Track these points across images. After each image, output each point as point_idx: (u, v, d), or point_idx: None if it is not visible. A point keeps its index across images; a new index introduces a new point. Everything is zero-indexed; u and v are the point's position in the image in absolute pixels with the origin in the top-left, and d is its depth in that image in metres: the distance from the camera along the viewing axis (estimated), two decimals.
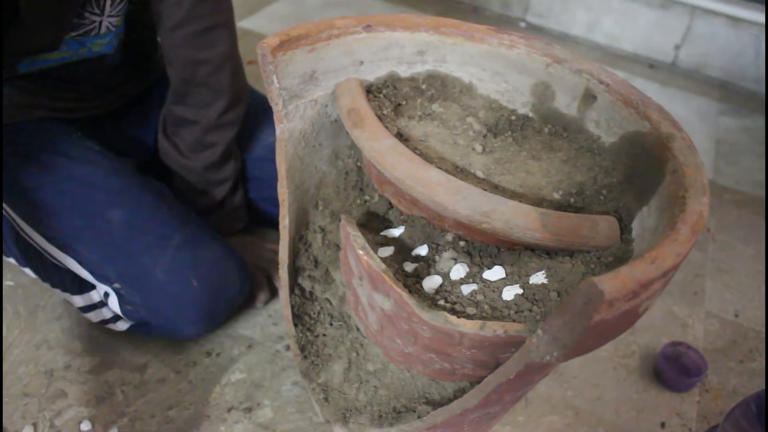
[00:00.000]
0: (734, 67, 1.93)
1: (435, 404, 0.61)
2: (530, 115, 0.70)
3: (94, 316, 0.90)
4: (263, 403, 0.86)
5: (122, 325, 0.89)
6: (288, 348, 0.94)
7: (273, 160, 1.01)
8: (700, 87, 1.94)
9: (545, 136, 0.68)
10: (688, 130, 0.59)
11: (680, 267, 0.45)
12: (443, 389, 0.62)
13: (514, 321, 0.50)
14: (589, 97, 0.66)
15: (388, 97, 0.69)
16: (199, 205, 0.99)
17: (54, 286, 0.91)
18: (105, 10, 0.82)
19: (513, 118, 0.70)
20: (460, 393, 0.61)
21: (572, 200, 0.61)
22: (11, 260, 0.98)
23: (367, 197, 0.71)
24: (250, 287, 0.94)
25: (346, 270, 0.65)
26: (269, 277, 1.01)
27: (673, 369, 0.94)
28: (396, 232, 0.62)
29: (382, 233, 0.64)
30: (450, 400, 0.59)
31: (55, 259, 0.87)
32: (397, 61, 0.69)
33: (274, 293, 1.01)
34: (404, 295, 0.51)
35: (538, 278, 0.53)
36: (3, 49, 0.75)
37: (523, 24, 2.16)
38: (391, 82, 0.70)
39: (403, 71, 0.70)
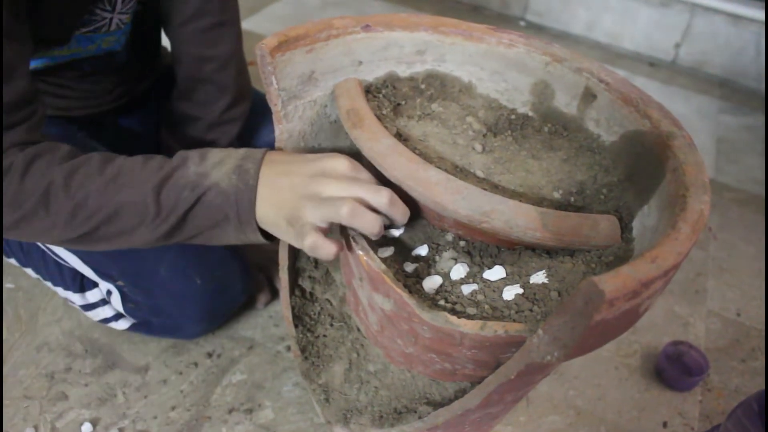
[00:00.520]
0: (735, 64, 1.93)
1: (436, 404, 0.61)
2: (530, 114, 0.70)
3: (95, 315, 0.90)
4: (264, 404, 0.86)
5: (123, 324, 0.90)
6: (289, 349, 0.93)
7: None
8: (701, 85, 1.94)
9: (545, 135, 0.68)
10: (688, 128, 0.59)
11: (681, 266, 0.44)
12: (444, 389, 0.62)
13: (514, 321, 0.50)
14: (589, 96, 0.66)
15: (387, 97, 0.69)
16: None
17: (56, 284, 0.91)
18: (116, 7, 0.82)
19: (513, 117, 0.70)
20: (461, 393, 0.60)
21: (572, 199, 0.61)
22: (12, 261, 0.98)
23: None
24: (251, 288, 0.94)
25: (347, 271, 0.65)
26: (270, 278, 1.01)
27: (675, 368, 0.94)
28: (396, 232, 0.62)
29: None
30: (451, 401, 0.59)
31: (58, 257, 0.87)
32: (396, 60, 0.69)
33: (274, 294, 1.01)
34: (404, 295, 0.50)
35: (539, 278, 0.52)
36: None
37: (522, 23, 2.16)
38: (390, 81, 0.70)
39: (402, 71, 0.70)
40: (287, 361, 0.92)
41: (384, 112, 0.66)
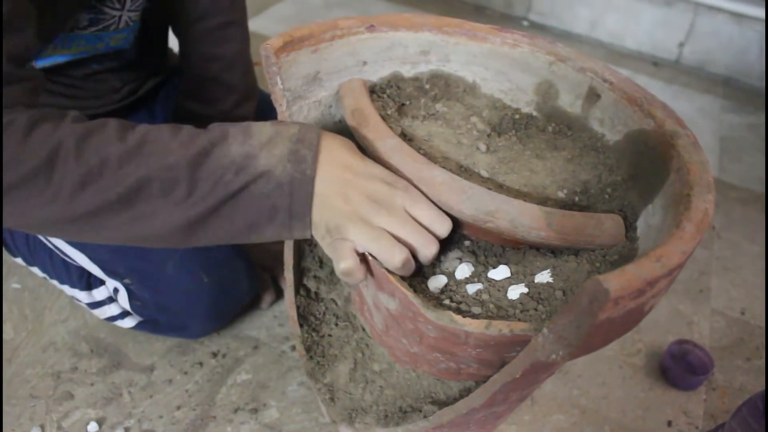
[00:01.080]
0: (738, 63, 1.93)
1: (441, 404, 0.61)
2: (534, 113, 0.70)
3: (101, 313, 0.91)
4: (269, 404, 0.86)
5: (129, 322, 0.90)
6: (293, 348, 0.94)
7: None
8: (704, 84, 1.94)
9: (549, 134, 0.68)
10: (692, 127, 0.59)
11: (685, 265, 0.45)
12: (449, 389, 0.62)
13: (519, 320, 0.50)
14: (593, 96, 0.66)
15: (391, 97, 0.69)
16: None
17: (62, 283, 0.92)
18: (126, 5, 0.83)
19: (517, 117, 0.70)
20: (465, 392, 0.61)
21: (577, 199, 0.61)
22: (18, 260, 0.98)
23: None
24: (256, 287, 0.95)
25: None
26: (274, 277, 1.02)
27: (680, 367, 0.94)
28: None
29: None
30: (456, 400, 0.59)
31: (65, 254, 0.87)
32: (401, 61, 0.69)
33: (279, 294, 1.01)
34: (409, 294, 0.51)
35: (544, 277, 0.53)
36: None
37: (525, 23, 2.16)
38: (395, 82, 0.70)
39: (407, 71, 0.70)
40: (292, 361, 0.92)
41: (389, 112, 0.66)
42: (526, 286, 0.53)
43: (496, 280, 0.55)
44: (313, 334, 0.72)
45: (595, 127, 0.66)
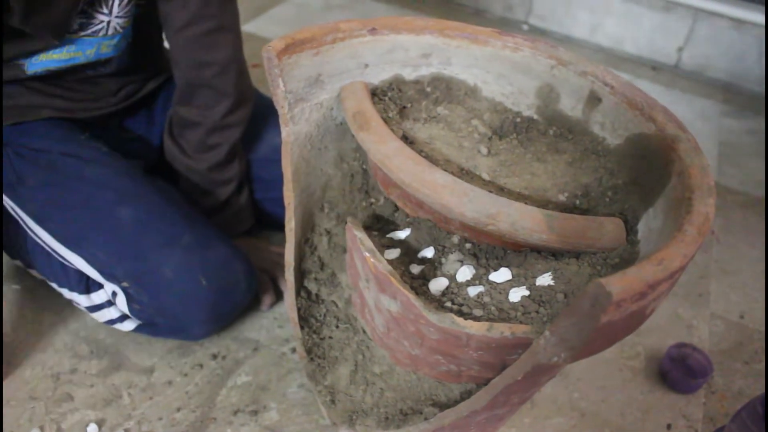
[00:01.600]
0: (737, 68, 1.93)
1: (442, 406, 0.61)
2: (535, 117, 0.70)
3: (100, 316, 0.90)
4: (269, 406, 0.86)
5: (129, 325, 0.90)
6: (294, 350, 0.94)
7: (278, 161, 1.01)
8: (704, 89, 1.94)
9: (550, 138, 0.68)
10: (691, 131, 0.59)
11: (686, 268, 0.45)
12: (450, 391, 0.62)
13: (521, 323, 0.50)
14: (593, 99, 0.66)
15: (393, 99, 0.69)
16: (204, 205, 0.99)
17: (61, 286, 0.91)
18: (113, 10, 0.83)
19: (518, 120, 0.70)
20: (466, 395, 0.61)
21: (578, 202, 0.61)
22: (17, 262, 0.98)
23: (372, 200, 0.71)
24: (256, 289, 0.95)
25: (353, 272, 0.66)
26: (274, 279, 1.01)
27: (679, 371, 0.94)
28: (402, 234, 0.63)
29: (388, 235, 0.64)
30: (456, 402, 0.59)
31: (63, 258, 0.87)
32: (402, 63, 0.70)
33: (279, 296, 1.01)
34: (411, 297, 0.51)
35: (545, 280, 0.53)
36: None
37: (525, 27, 2.16)
38: (396, 84, 0.70)
39: (408, 74, 0.71)
40: (292, 363, 0.92)
41: (390, 114, 0.66)
42: (528, 288, 0.53)
43: (497, 283, 0.55)
44: (314, 336, 0.72)
45: (596, 130, 0.66)
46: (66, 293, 0.92)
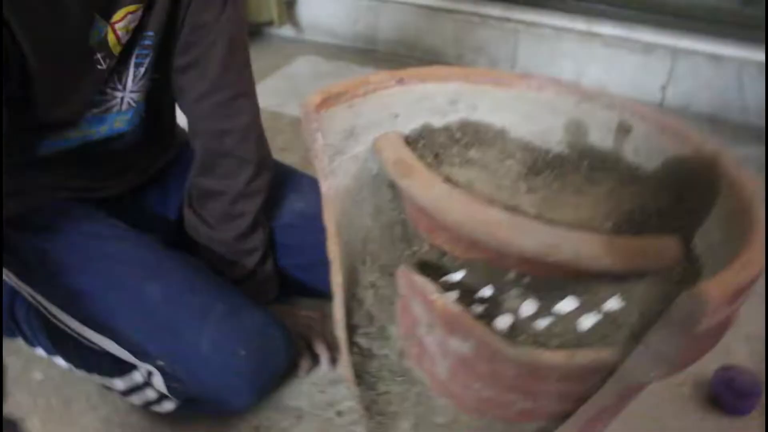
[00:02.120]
0: (719, 101, 2.00)
1: None
2: (566, 152, 0.72)
3: (137, 399, 0.88)
4: None
5: (168, 406, 0.87)
6: (339, 414, 0.91)
7: (301, 227, 1.03)
8: (691, 123, 1.98)
9: (585, 170, 0.70)
10: None
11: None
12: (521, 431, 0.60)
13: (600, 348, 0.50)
14: (623, 129, 0.68)
15: (426, 146, 0.70)
16: (229, 277, 0.98)
17: (91, 371, 0.89)
18: (127, 86, 0.84)
19: (550, 157, 0.71)
20: None
21: (625, 227, 0.62)
22: (39, 350, 0.96)
23: (415, 248, 0.71)
24: (293, 354, 0.93)
25: (407, 321, 0.65)
26: (309, 343, 1.00)
27: (730, 393, 0.93)
28: (456, 276, 0.62)
29: (441, 280, 0.64)
30: None
31: (91, 342, 0.85)
32: (431, 111, 0.71)
33: (315, 360, 0.99)
34: (488, 333, 0.50)
35: (615, 303, 0.53)
36: (20, 126, 0.76)
37: None
38: (426, 132, 0.71)
39: (437, 121, 0.72)
40: (339, 428, 0.89)
41: (428, 161, 0.67)
42: (598, 313, 0.52)
43: (564, 313, 0.55)
44: (371, 392, 0.70)
45: (631, 158, 0.67)
46: (97, 379, 0.90)
